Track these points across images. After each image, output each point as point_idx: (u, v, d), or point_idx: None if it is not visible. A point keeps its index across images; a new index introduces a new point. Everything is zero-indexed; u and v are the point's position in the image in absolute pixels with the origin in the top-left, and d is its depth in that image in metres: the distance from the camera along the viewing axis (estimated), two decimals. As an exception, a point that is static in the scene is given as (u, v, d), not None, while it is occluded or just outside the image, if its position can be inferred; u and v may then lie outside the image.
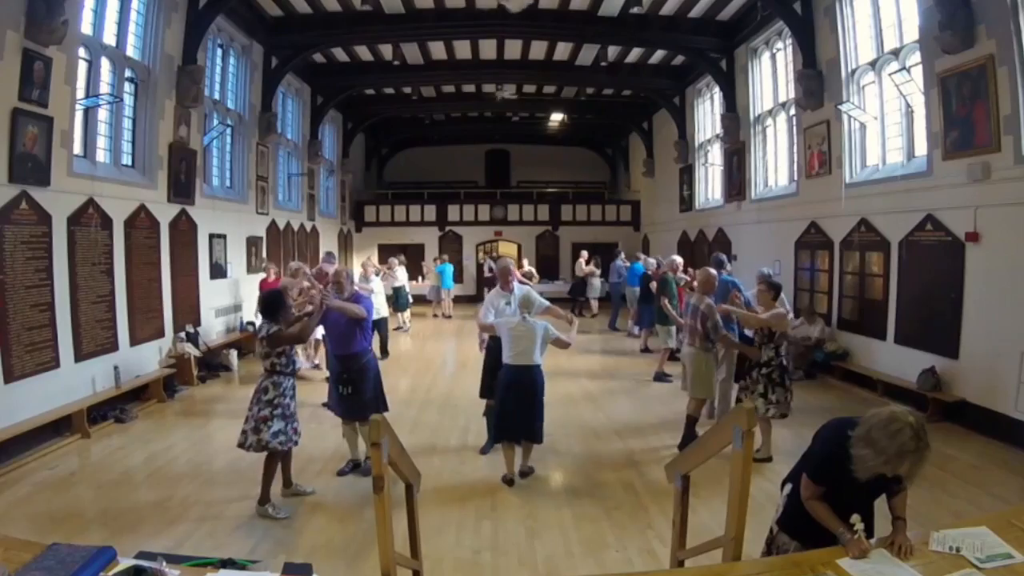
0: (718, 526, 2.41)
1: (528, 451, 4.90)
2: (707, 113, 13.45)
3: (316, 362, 8.53)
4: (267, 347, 4.26)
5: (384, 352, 9.39)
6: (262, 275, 9.80)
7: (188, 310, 8.44)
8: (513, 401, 4.64)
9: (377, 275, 9.51)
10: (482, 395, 5.48)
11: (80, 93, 6.34)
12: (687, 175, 14.18)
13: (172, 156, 7.95)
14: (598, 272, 14.43)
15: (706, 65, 11.72)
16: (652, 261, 10.58)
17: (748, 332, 5.86)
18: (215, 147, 9.74)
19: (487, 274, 17.06)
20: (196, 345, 8.22)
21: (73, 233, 6.17)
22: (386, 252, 15.56)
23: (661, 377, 8.12)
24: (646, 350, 10.08)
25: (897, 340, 7.07)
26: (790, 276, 9.33)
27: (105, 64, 6.92)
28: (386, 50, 12.57)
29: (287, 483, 4.52)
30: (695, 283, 8.06)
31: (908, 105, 7.01)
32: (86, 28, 6.49)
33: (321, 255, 14.23)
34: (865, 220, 7.66)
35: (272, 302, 4.43)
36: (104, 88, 6.89)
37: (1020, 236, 5.43)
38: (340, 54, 12.92)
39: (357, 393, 4.75)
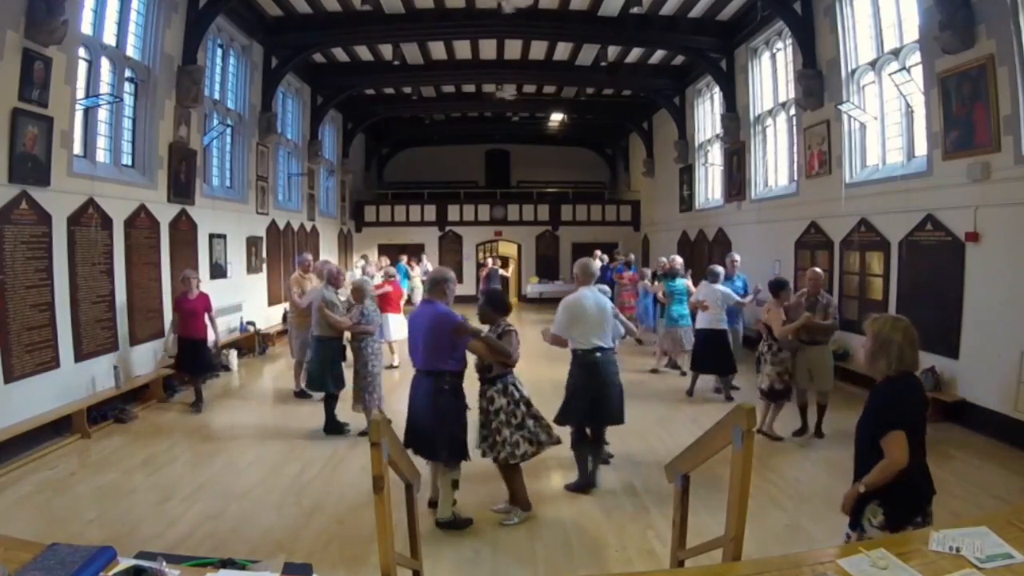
0: (718, 526, 2.40)
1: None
2: (707, 113, 13.44)
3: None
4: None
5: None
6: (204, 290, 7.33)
7: (188, 310, 8.43)
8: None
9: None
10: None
11: (80, 93, 6.34)
12: (687, 175, 14.18)
13: (172, 156, 7.95)
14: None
15: (706, 65, 11.72)
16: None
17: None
18: (215, 147, 9.74)
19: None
20: (196, 345, 8.20)
21: (73, 233, 6.17)
22: (386, 252, 15.51)
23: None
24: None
25: (897, 340, 7.07)
26: (790, 276, 9.31)
27: (105, 64, 6.92)
28: (386, 50, 12.57)
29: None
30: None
31: (908, 105, 7.01)
32: (86, 28, 6.48)
33: (321, 256, 14.24)
34: (865, 220, 7.66)
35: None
36: (104, 88, 6.89)
37: (1020, 236, 5.43)
38: (340, 54, 12.92)
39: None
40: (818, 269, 6.35)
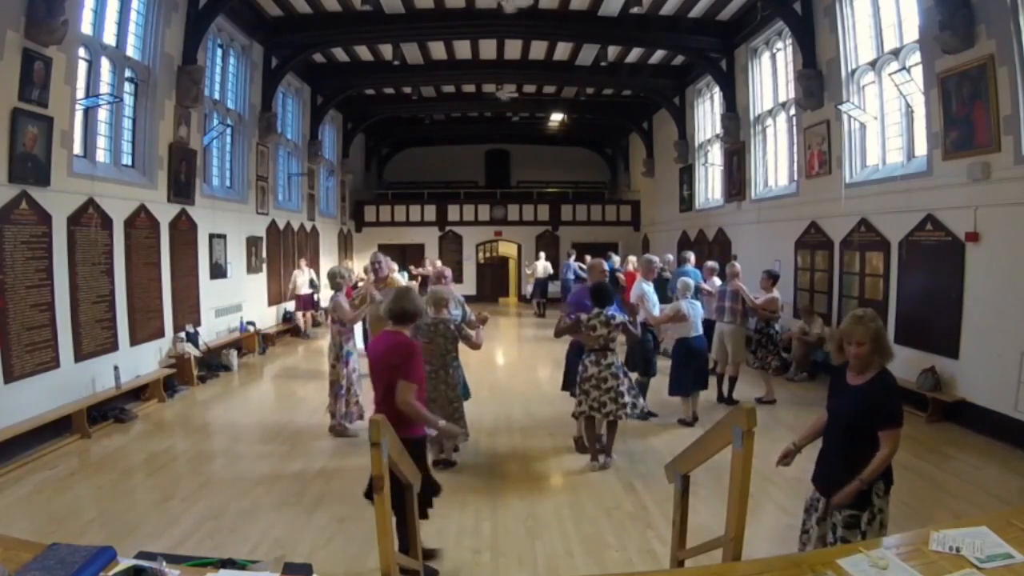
0: (718, 526, 2.40)
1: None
2: (707, 113, 13.44)
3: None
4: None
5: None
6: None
7: (188, 310, 8.44)
8: (697, 361, 6.19)
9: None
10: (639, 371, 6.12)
11: (80, 93, 6.34)
12: (687, 175, 14.18)
13: (172, 156, 7.95)
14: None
15: (706, 65, 11.72)
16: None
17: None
18: (215, 147, 9.73)
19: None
20: (196, 345, 8.22)
21: (73, 233, 6.17)
22: (386, 252, 15.41)
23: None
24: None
25: (897, 340, 7.05)
26: (790, 276, 9.33)
27: (105, 64, 6.92)
28: (386, 50, 12.57)
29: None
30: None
31: (908, 105, 7.01)
32: (86, 28, 6.48)
33: (321, 257, 14.26)
34: (865, 220, 7.66)
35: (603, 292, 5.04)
36: (104, 88, 6.88)
37: (1020, 236, 5.43)
38: (340, 54, 12.92)
39: None
40: (736, 264, 7.35)
